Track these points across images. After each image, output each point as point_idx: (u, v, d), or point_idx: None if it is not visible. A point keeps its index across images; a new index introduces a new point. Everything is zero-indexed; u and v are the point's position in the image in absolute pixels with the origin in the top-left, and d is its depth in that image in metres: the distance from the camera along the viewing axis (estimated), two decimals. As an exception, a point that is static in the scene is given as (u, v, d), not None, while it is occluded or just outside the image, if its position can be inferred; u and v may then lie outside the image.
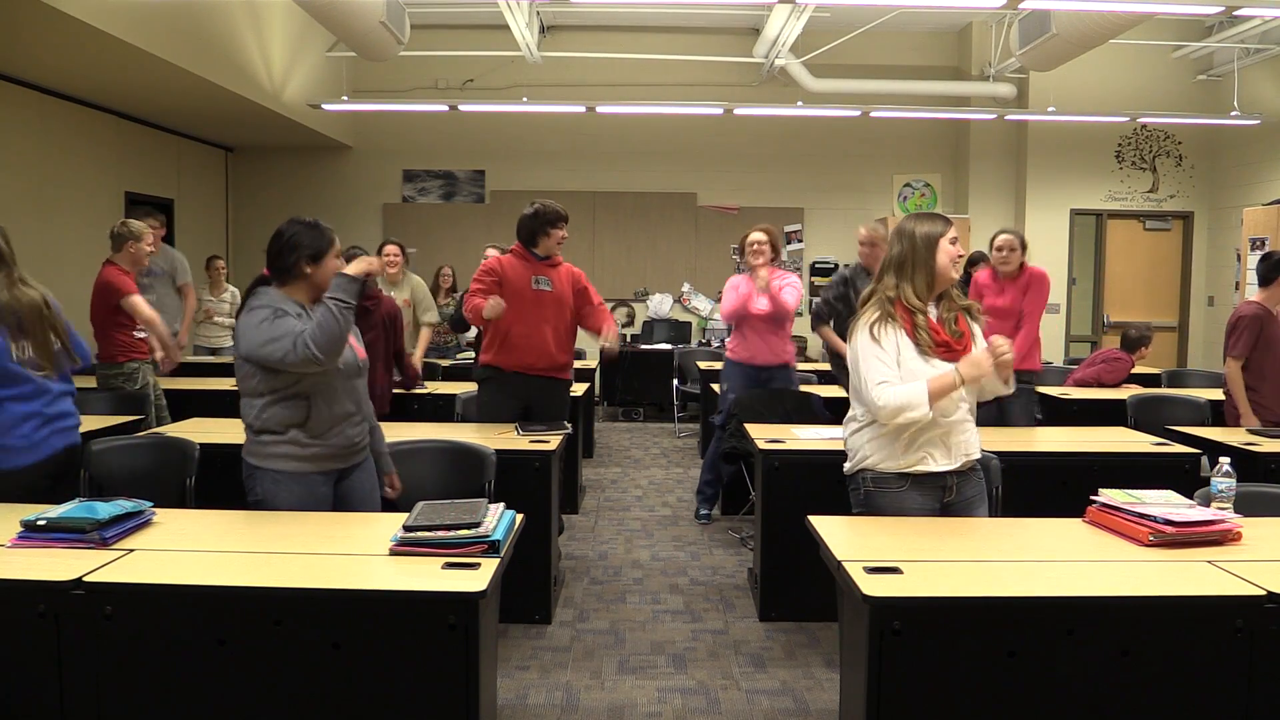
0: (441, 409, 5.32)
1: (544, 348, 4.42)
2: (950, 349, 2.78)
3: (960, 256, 2.85)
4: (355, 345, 3.08)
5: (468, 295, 4.47)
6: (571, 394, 5.87)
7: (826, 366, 8.12)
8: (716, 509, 5.82)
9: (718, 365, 6.35)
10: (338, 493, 3.03)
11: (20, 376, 2.95)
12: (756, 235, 5.22)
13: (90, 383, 5.09)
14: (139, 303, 4.95)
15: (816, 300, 5.19)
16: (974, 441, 2.85)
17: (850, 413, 2.93)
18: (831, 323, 5.27)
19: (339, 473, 3.03)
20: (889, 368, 2.75)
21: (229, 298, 7.68)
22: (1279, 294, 4.66)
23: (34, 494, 2.84)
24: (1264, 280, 4.70)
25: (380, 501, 3.16)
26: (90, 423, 4.28)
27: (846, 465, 2.93)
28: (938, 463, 2.79)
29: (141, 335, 5.12)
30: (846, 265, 5.24)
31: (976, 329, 2.89)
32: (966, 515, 2.84)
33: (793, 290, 5.15)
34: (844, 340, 4.98)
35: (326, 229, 2.98)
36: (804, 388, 5.60)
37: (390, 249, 6.10)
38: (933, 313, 2.83)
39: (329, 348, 2.78)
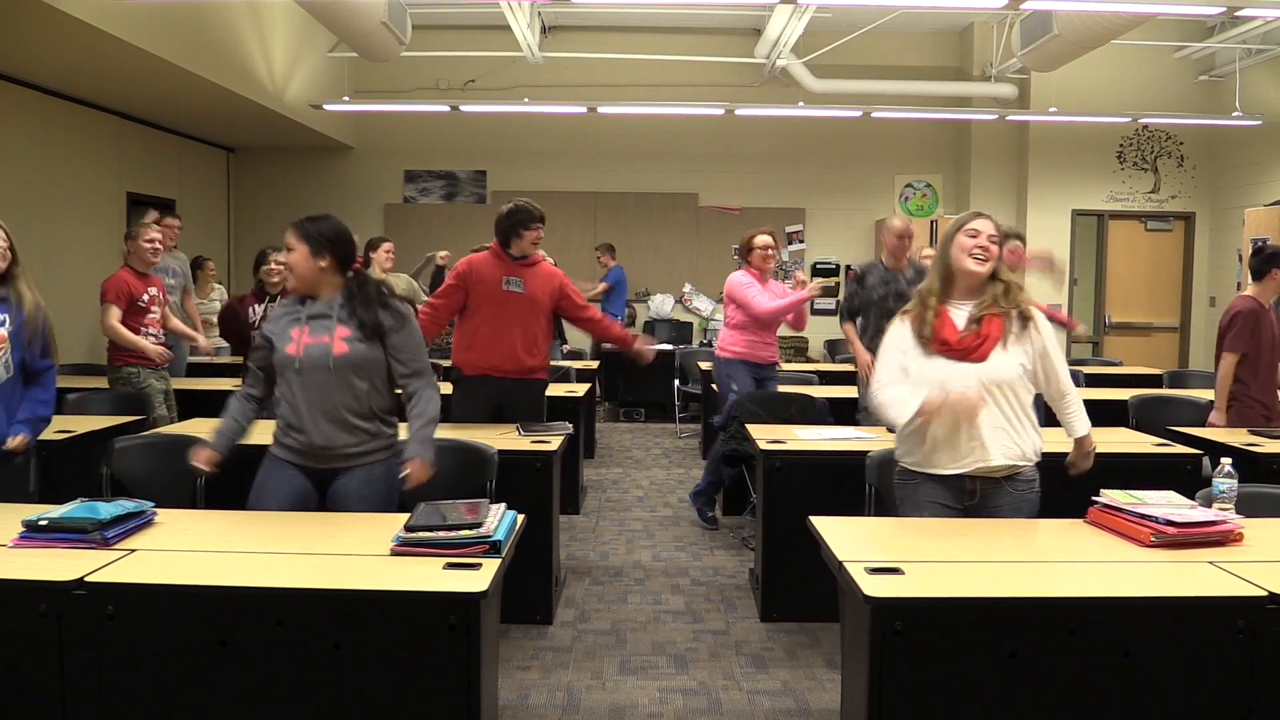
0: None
1: (510, 350, 4.30)
2: (950, 348, 2.77)
3: (980, 248, 2.79)
4: (336, 339, 2.90)
5: (428, 303, 4.48)
6: (572, 394, 5.91)
7: (827, 367, 8.15)
8: (718, 510, 5.82)
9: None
10: (327, 495, 2.97)
11: None
12: (767, 239, 5.33)
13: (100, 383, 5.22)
14: (109, 313, 5.01)
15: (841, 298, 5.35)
16: (998, 448, 2.76)
17: None
18: (857, 321, 5.30)
19: (322, 473, 2.96)
20: (894, 363, 2.88)
21: (217, 296, 7.69)
22: (1271, 287, 4.66)
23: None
24: (1257, 274, 4.69)
25: (381, 509, 2.98)
26: (94, 423, 4.31)
27: None
28: (944, 466, 2.81)
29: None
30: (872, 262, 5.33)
31: (1034, 332, 2.79)
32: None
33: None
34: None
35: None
36: (804, 388, 5.60)
37: (387, 245, 6.78)
38: (964, 309, 2.82)
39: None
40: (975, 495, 2.82)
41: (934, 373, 2.79)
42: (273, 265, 5.33)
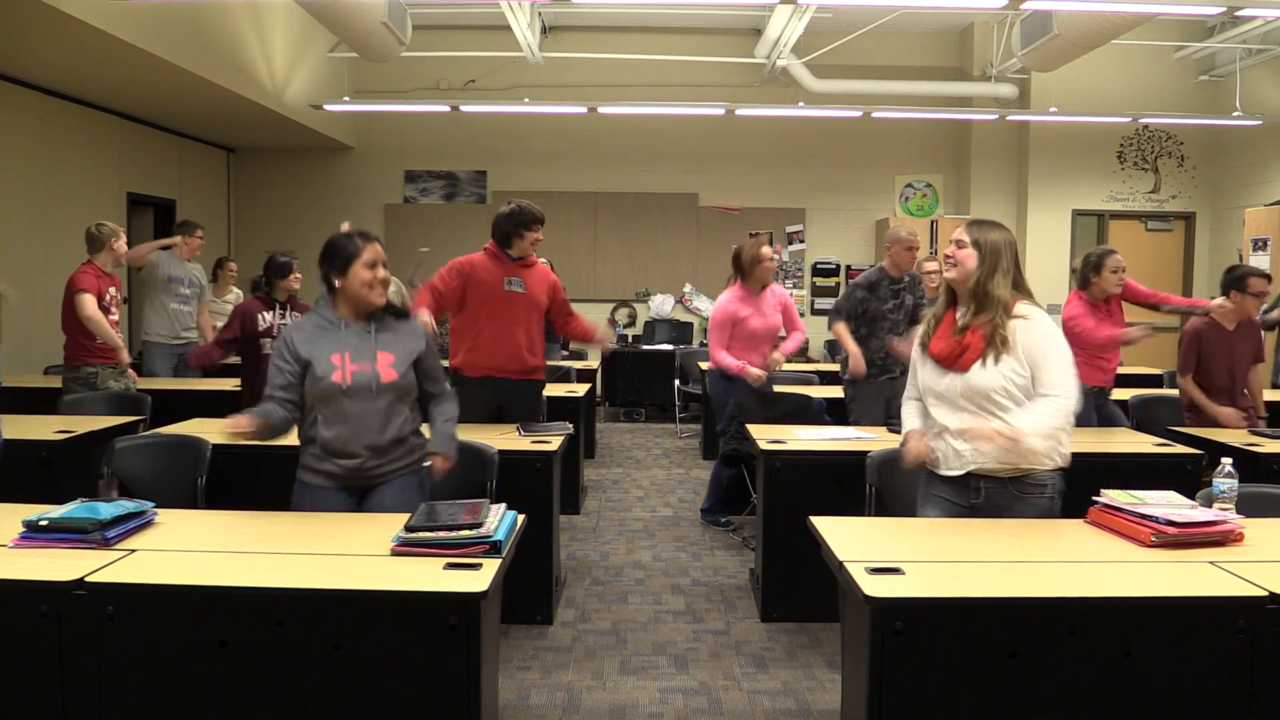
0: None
1: (515, 350, 4.32)
2: (928, 350, 2.84)
3: (947, 254, 2.84)
4: (383, 366, 2.91)
5: (427, 285, 4.33)
6: (573, 394, 5.91)
7: (827, 367, 8.14)
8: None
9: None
10: (364, 506, 2.97)
11: None
12: (769, 250, 5.19)
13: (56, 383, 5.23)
14: (88, 301, 4.99)
15: (838, 298, 5.25)
16: (988, 457, 2.73)
17: None
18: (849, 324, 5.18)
19: (359, 489, 2.97)
20: (913, 372, 2.96)
21: (233, 299, 7.68)
22: (1235, 307, 4.70)
23: None
24: (1223, 291, 4.76)
25: None
26: (93, 423, 4.31)
27: None
28: (943, 466, 2.85)
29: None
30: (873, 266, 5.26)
31: (1020, 346, 2.69)
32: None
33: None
34: (856, 342, 5.02)
35: (353, 240, 2.92)
36: (803, 388, 5.60)
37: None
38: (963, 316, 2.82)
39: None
40: (981, 493, 2.82)
41: (925, 379, 2.87)
42: (296, 277, 5.09)
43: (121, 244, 5.23)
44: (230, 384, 5.81)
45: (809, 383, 6.05)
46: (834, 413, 5.28)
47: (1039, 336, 2.72)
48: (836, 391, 5.69)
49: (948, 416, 2.80)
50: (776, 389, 5.40)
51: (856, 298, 5.13)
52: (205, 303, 6.79)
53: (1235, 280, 4.71)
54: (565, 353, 8.42)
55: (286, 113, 8.36)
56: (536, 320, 4.40)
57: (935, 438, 2.86)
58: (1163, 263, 10.07)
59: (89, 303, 4.99)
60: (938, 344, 2.82)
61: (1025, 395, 2.72)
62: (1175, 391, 5.94)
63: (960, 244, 2.80)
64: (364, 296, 2.91)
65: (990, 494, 2.80)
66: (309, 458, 2.95)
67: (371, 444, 2.89)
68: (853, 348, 5.09)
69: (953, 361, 2.76)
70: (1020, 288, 2.79)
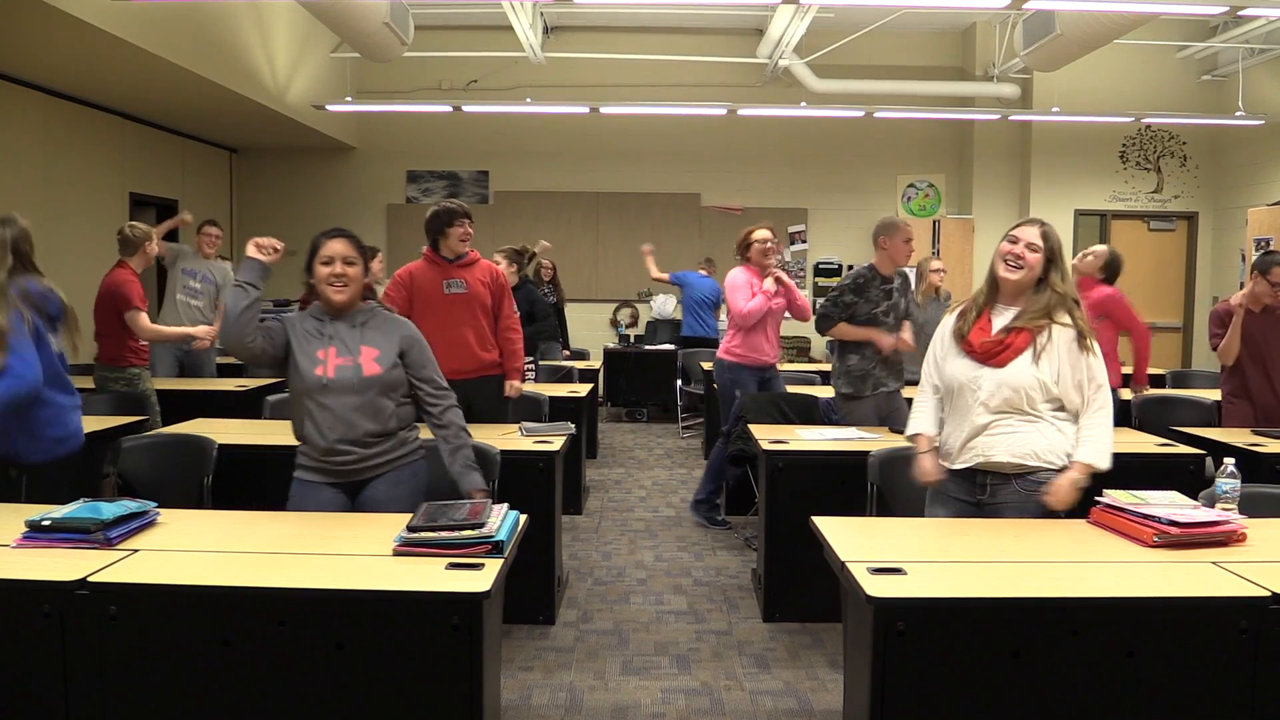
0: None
1: (468, 350, 4.34)
2: (972, 348, 2.81)
3: (1013, 255, 2.79)
4: (365, 360, 2.93)
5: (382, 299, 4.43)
6: (575, 394, 5.91)
7: (830, 367, 8.13)
8: (721, 511, 5.82)
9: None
10: (357, 502, 2.98)
11: (66, 378, 3.06)
12: (766, 233, 5.21)
13: (87, 382, 5.14)
14: (142, 319, 5.04)
15: (823, 302, 4.72)
16: (1003, 449, 2.75)
17: None
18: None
19: (352, 484, 2.97)
20: (930, 370, 2.97)
21: None
22: (1256, 290, 4.69)
23: (65, 489, 2.90)
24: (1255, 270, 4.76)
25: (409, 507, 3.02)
26: (97, 423, 4.28)
27: None
28: (952, 461, 2.86)
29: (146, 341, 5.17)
30: (866, 265, 4.77)
31: (1070, 349, 2.73)
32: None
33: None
34: (849, 352, 4.75)
35: (320, 237, 2.98)
36: (806, 388, 5.60)
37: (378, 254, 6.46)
38: (1007, 314, 2.82)
39: (225, 330, 2.89)
40: (986, 489, 2.83)
41: (955, 371, 2.85)
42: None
43: (154, 247, 5.25)
44: (232, 384, 5.82)
45: (811, 382, 6.05)
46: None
47: (1085, 355, 2.76)
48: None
49: (972, 411, 2.79)
50: (776, 386, 5.39)
51: (844, 302, 4.58)
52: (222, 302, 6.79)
53: (1261, 264, 4.66)
54: (567, 352, 8.43)
55: (289, 113, 8.38)
56: (485, 316, 4.40)
57: (952, 430, 2.86)
58: (1165, 263, 10.07)
59: (144, 320, 5.06)
60: (978, 336, 2.82)
61: (1050, 398, 2.74)
62: (1179, 391, 5.97)
63: (1033, 247, 2.80)
64: (323, 293, 2.96)
65: (996, 490, 2.81)
66: (303, 456, 2.99)
67: (355, 438, 2.91)
68: (867, 332, 4.56)
69: (990, 357, 2.77)
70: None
